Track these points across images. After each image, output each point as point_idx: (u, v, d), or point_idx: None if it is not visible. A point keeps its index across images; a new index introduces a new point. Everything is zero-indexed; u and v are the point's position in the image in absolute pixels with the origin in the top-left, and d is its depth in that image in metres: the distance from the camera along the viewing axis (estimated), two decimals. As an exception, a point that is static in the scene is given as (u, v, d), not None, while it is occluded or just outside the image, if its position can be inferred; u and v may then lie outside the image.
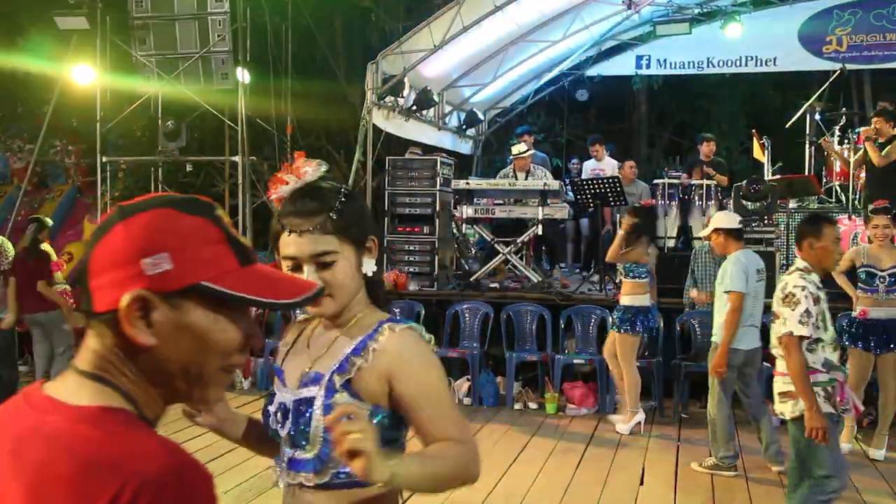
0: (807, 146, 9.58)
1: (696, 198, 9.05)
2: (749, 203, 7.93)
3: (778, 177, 9.13)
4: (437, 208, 8.88)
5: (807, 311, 3.73)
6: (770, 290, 7.41)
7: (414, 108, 9.91)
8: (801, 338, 3.75)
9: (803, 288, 3.77)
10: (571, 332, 7.87)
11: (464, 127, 11.84)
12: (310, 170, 1.73)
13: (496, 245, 8.70)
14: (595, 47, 12.06)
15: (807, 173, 9.37)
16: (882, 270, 5.90)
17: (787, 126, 9.72)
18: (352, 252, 1.71)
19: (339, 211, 1.68)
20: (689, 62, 12.30)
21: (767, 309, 6.80)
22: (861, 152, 8.33)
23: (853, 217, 8.11)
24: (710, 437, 5.67)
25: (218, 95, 10.10)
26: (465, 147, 12.38)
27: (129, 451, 0.94)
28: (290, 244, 1.68)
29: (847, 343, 5.91)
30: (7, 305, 7.06)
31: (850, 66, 10.97)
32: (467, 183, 8.88)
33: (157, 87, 10.05)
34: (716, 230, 5.66)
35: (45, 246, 7.38)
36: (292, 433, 1.71)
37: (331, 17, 13.51)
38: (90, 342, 1.05)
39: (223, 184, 11.79)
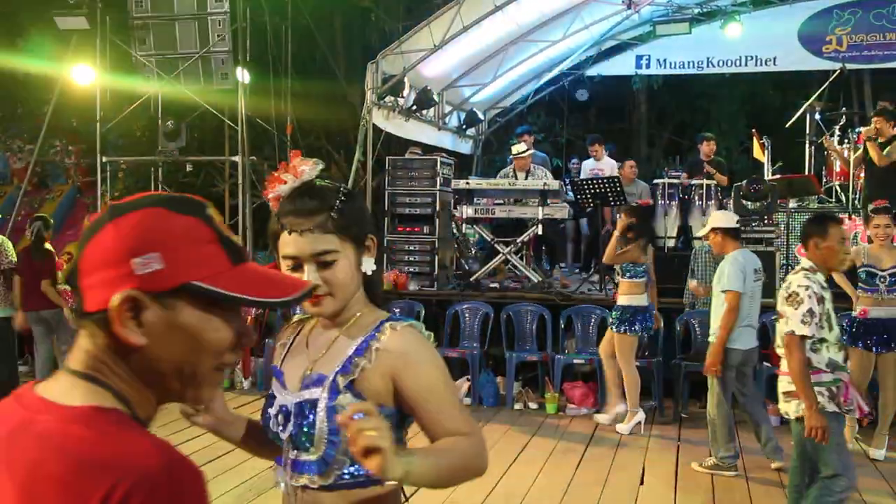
0: (807, 146, 9.58)
1: (696, 198, 9.05)
2: (749, 203, 7.93)
3: (778, 176, 9.13)
4: (437, 208, 8.88)
5: (809, 311, 3.73)
6: (769, 290, 7.45)
7: (414, 107, 9.91)
8: (803, 337, 3.75)
9: (807, 287, 3.77)
10: (571, 332, 7.87)
11: (464, 127, 11.84)
12: (307, 169, 1.73)
13: (496, 245, 8.70)
14: (595, 47, 12.07)
15: (807, 173, 9.37)
16: (882, 270, 5.90)
17: (787, 126, 9.72)
18: (352, 251, 1.71)
19: (340, 210, 1.68)
20: (688, 62, 12.30)
21: (765, 309, 6.82)
22: (860, 151, 8.33)
23: (853, 217, 8.11)
24: (710, 437, 5.67)
25: (218, 95, 10.10)
26: (465, 147, 12.38)
27: (121, 451, 0.94)
28: (290, 243, 1.68)
29: (847, 343, 5.91)
30: (9, 303, 7.10)
31: (849, 66, 10.96)
32: (467, 183, 8.88)
33: (157, 87, 10.05)
34: (713, 230, 5.66)
35: (48, 245, 7.42)
36: (294, 435, 1.70)
37: (331, 17, 13.51)
38: (82, 342, 1.04)
39: (223, 184, 11.79)
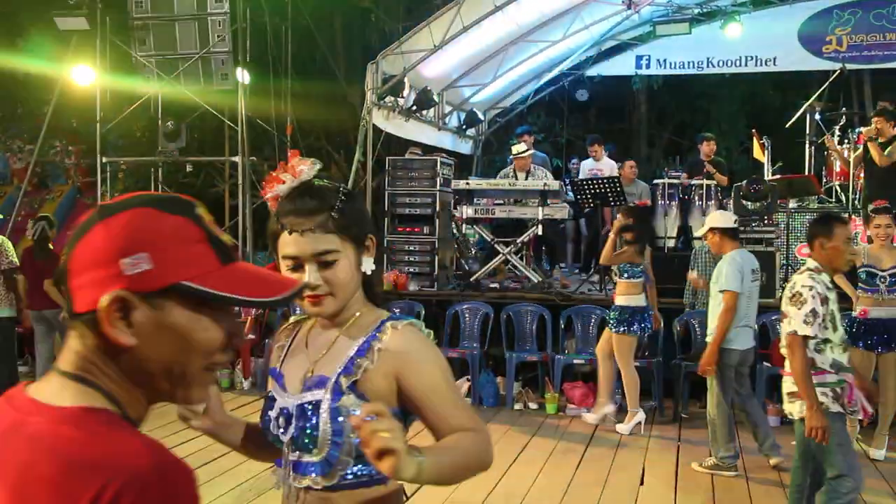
0: (807, 146, 9.57)
1: (696, 198, 9.05)
2: (749, 203, 7.93)
3: (778, 177, 9.13)
4: (437, 208, 8.88)
5: (812, 311, 3.73)
6: (769, 290, 7.46)
7: (414, 108, 9.91)
8: (806, 337, 3.74)
9: (811, 288, 3.76)
10: (571, 332, 7.86)
11: (464, 127, 11.84)
12: (305, 168, 1.72)
13: (496, 245, 8.70)
14: (595, 47, 12.07)
15: (807, 173, 9.37)
16: (883, 270, 5.90)
17: (786, 126, 9.72)
18: (352, 251, 1.70)
19: (341, 210, 1.67)
20: (688, 62, 12.30)
21: (765, 309, 6.82)
22: (860, 151, 8.33)
23: (853, 217, 8.11)
24: (710, 438, 5.67)
25: (218, 96, 10.11)
26: (465, 147, 12.38)
27: (112, 451, 0.94)
28: (290, 243, 1.67)
29: (847, 343, 5.90)
30: (9, 304, 7.11)
31: (849, 66, 10.96)
32: (467, 183, 8.88)
33: (157, 87, 10.05)
34: (711, 229, 5.66)
35: (51, 245, 7.44)
36: (296, 437, 1.70)
37: (331, 18, 13.51)
38: (72, 343, 1.04)
39: (223, 184, 11.80)
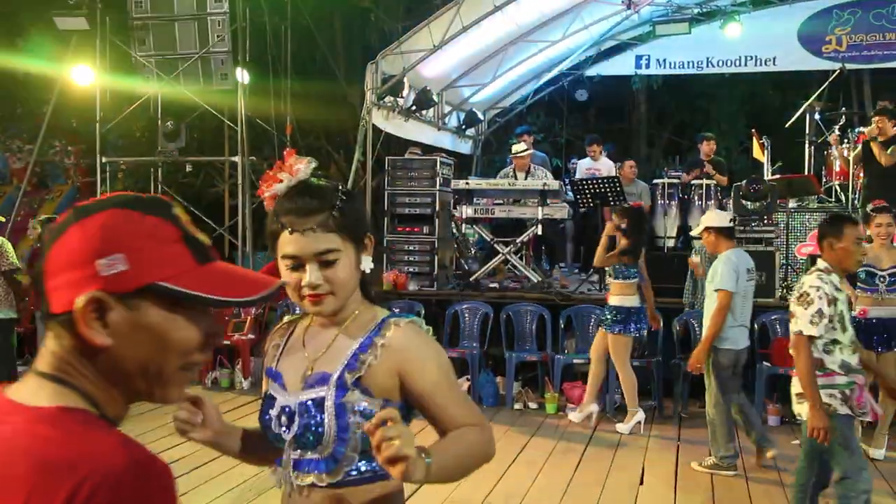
0: (806, 146, 9.58)
1: (696, 197, 9.05)
2: (749, 203, 7.92)
3: (777, 176, 9.13)
4: (437, 208, 8.88)
5: (819, 312, 3.72)
6: (769, 290, 7.46)
7: (413, 108, 9.91)
8: (811, 338, 3.74)
9: (818, 288, 3.76)
10: (571, 332, 7.86)
11: (463, 127, 11.84)
12: (302, 167, 1.73)
13: (496, 245, 8.70)
14: (594, 47, 12.07)
15: (806, 173, 9.37)
16: (882, 270, 5.90)
17: (786, 126, 9.72)
18: (352, 250, 1.71)
19: (341, 209, 1.68)
20: (688, 62, 12.30)
21: (764, 309, 6.82)
22: (859, 150, 8.32)
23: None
24: (709, 437, 5.67)
25: (217, 96, 10.11)
26: (464, 147, 12.38)
27: (87, 451, 0.94)
28: (291, 243, 1.67)
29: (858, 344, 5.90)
30: (9, 305, 7.10)
31: (849, 66, 10.97)
32: (467, 183, 8.88)
33: (157, 87, 10.06)
34: (707, 229, 5.67)
35: None
36: (300, 435, 1.70)
37: (330, 18, 13.51)
38: (49, 343, 1.05)
39: (223, 184, 11.81)
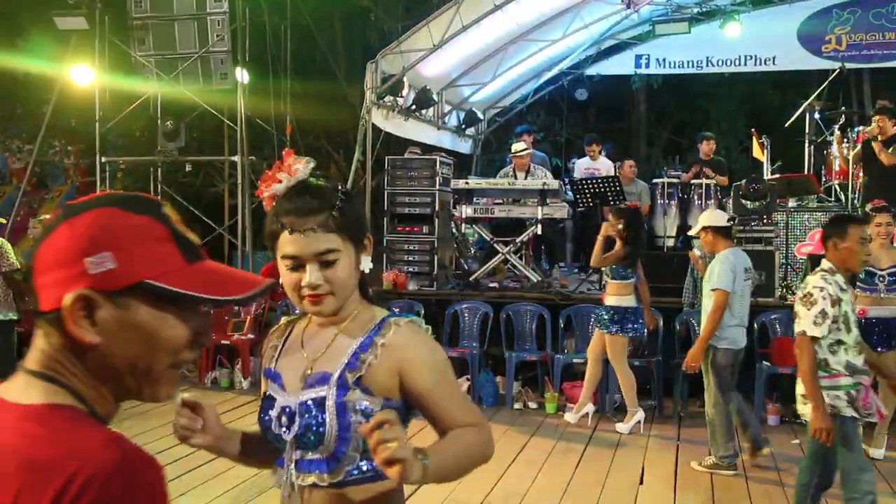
0: (806, 145, 9.58)
1: (696, 197, 9.06)
2: (748, 202, 7.93)
3: (777, 176, 9.13)
4: (437, 208, 8.88)
5: (822, 312, 3.71)
6: (768, 290, 7.46)
7: (413, 107, 9.91)
8: (814, 338, 3.74)
9: (822, 289, 3.75)
10: (571, 331, 7.86)
11: (463, 126, 11.84)
12: (300, 167, 1.73)
13: (495, 245, 8.70)
14: (594, 46, 12.07)
15: (806, 172, 9.38)
16: (881, 270, 5.90)
17: (786, 125, 9.73)
18: (352, 250, 1.71)
19: (341, 209, 1.68)
20: (688, 61, 12.30)
21: (764, 309, 6.82)
22: (859, 149, 8.32)
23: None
24: (709, 437, 5.67)
25: (217, 95, 10.11)
26: (464, 146, 12.38)
27: (75, 448, 0.94)
28: (291, 243, 1.67)
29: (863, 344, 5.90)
30: (9, 306, 7.10)
31: (849, 65, 10.97)
32: (466, 182, 8.88)
33: (157, 87, 10.06)
34: (704, 228, 5.66)
35: None
36: (301, 435, 1.70)
37: (330, 17, 13.52)
38: (38, 341, 1.06)
39: (222, 184, 11.81)
